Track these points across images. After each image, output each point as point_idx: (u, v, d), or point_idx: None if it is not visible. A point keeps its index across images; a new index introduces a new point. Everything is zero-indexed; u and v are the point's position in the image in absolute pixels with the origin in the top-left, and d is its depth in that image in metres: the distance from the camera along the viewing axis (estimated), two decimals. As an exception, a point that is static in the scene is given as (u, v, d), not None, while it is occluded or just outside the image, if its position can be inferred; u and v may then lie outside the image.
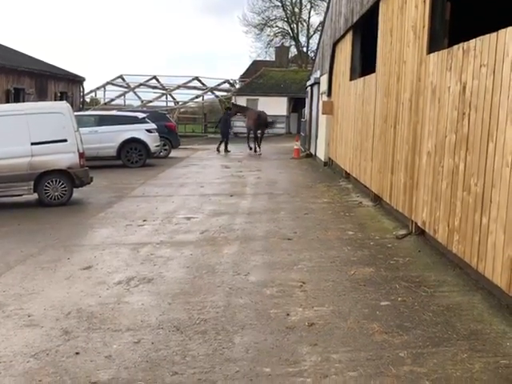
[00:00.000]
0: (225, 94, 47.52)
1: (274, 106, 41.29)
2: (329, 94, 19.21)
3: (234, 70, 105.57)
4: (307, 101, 27.35)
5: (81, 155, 12.34)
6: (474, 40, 6.23)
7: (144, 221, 10.29)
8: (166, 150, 23.39)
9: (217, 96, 48.40)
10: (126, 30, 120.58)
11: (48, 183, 12.11)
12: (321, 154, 20.80)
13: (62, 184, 12.23)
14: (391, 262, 7.25)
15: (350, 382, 4.18)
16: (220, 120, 27.13)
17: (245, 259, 7.55)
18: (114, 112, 22.61)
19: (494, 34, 5.65)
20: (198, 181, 15.82)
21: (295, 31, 52.32)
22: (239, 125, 42.44)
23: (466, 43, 6.47)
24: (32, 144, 11.87)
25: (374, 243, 8.23)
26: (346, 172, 15.42)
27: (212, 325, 5.31)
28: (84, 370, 4.47)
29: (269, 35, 53.03)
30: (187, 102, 46.84)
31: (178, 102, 46.93)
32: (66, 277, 6.99)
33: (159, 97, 46.56)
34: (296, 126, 40.16)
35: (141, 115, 20.61)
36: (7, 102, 21.45)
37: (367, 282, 6.42)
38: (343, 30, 15.70)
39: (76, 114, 21.50)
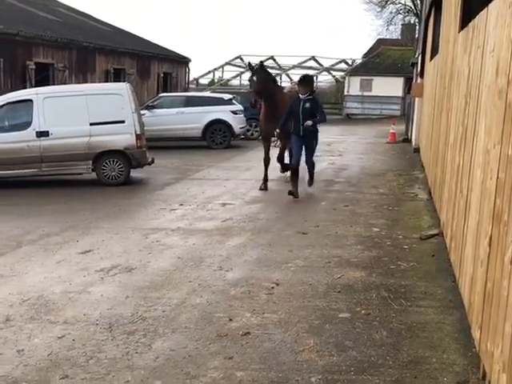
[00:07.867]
0: (341, 73, 46.45)
1: (389, 87, 39.86)
2: (421, 75, 17.88)
3: (356, 49, 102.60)
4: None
5: (138, 136, 12.44)
6: (477, 16, 5.31)
7: (180, 205, 10.17)
8: (257, 131, 23.15)
9: (333, 76, 47.49)
10: (246, 11, 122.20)
11: (105, 163, 12.36)
12: (413, 139, 19.58)
13: (119, 164, 12.42)
14: (392, 266, 6.50)
15: (230, 407, 3.73)
16: None
17: (241, 253, 7.14)
18: (200, 93, 22.77)
19: (485, 10, 4.75)
20: (267, 164, 15.39)
21: (418, 8, 49.53)
22: (350, 106, 41.48)
23: (474, 20, 5.55)
24: (91, 124, 12.17)
25: (391, 243, 7.45)
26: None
27: (147, 325, 5.02)
28: (-14, 363, 4.38)
29: (391, 12, 50.66)
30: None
31: (293, 82, 46.52)
32: (59, 260, 7.02)
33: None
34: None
35: (227, 96, 20.52)
36: (106, 81, 22.25)
37: (345, 289, 5.78)
38: (428, 5, 14.51)
39: (165, 94, 22.10)
